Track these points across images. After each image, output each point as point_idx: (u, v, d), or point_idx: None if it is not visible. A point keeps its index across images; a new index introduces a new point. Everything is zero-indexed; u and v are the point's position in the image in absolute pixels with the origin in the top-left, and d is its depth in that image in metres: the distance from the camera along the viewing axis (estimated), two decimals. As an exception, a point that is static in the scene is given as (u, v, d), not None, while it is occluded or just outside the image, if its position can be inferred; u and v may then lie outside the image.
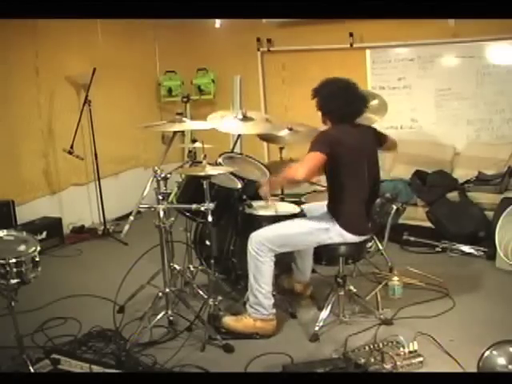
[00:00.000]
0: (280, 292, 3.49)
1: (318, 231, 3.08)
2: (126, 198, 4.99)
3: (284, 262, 3.52)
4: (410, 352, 2.78)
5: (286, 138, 3.98)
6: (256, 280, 3.10)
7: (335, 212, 3.12)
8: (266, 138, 4.15)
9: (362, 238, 3.15)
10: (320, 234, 3.08)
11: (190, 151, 3.77)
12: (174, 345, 3.05)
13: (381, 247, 3.94)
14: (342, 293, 3.27)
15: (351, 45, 5.35)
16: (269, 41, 5.87)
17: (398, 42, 5.23)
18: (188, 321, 3.20)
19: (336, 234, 3.07)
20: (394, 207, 3.11)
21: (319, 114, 3.16)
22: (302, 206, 3.49)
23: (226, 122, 3.67)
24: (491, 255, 4.17)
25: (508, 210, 4.08)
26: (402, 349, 2.81)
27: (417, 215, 4.79)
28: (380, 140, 3.29)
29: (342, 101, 3.04)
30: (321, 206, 3.28)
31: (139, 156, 5.97)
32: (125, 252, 4.60)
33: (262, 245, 3.06)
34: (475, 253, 4.33)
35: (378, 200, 3.03)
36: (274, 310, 3.19)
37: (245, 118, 3.69)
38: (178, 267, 3.48)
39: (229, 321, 3.19)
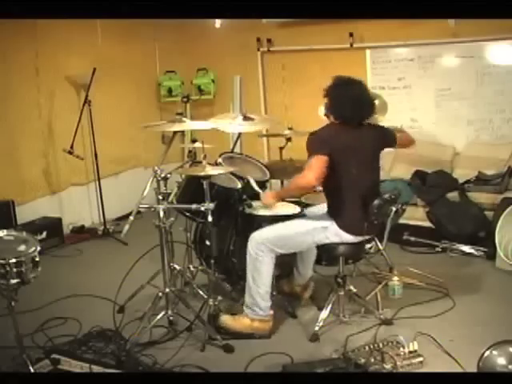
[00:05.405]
0: (280, 293, 3.49)
1: (316, 230, 3.09)
2: (126, 198, 5.00)
3: (285, 266, 3.52)
4: (410, 352, 2.78)
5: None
6: (254, 281, 3.10)
7: (333, 212, 3.12)
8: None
9: (360, 238, 3.14)
10: (318, 232, 3.09)
11: (189, 151, 3.77)
12: (174, 345, 3.05)
13: (381, 247, 3.93)
14: (341, 293, 3.27)
15: (351, 45, 5.35)
16: (269, 41, 5.86)
17: (398, 42, 5.22)
18: (188, 321, 3.20)
19: (333, 234, 3.07)
20: (393, 209, 3.10)
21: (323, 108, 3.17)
22: (305, 209, 3.49)
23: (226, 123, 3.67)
24: (491, 255, 4.16)
25: (508, 210, 4.08)
26: (401, 349, 2.82)
27: (417, 215, 4.79)
28: (389, 139, 3.27)
29: (353, 107, 3.03)
30: (323, 207, 3.28)
31: (139, 156, 5.96)
32: (125, 252, 4.60)
33: (261, 245, 3.07)
34: (475, 253, 4.32)
35: (376, 201, 3.02)
36: (272, 312, 3.19)
37: (245, 118, 3.69)
38: (178, 267, 3.48)
39: (226, 320, 3.19)
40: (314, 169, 2.93)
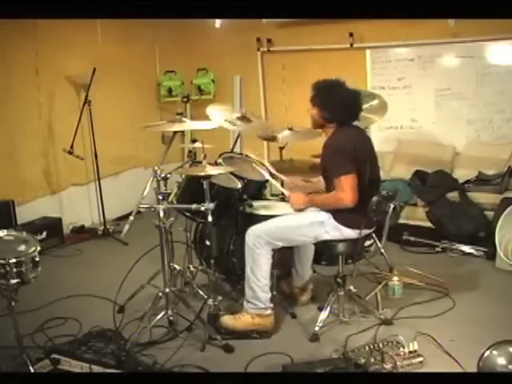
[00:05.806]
0: (280, 294, 3.49)
1: (314, 224, 3.10)
2: (125, 198, 5.00)
3: (285, 266, 3.52)
4: (410, 352, 2.78)
5: (287, 139, 3.99)
6: (253, 273, 3.12)
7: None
8: (267, 138, 4.16)
9: (359, 232, 3.13)
10: (316, 227, 3.09)
11: (190, 151, 3.77)
12: (174, 345, 3.04)
13: (380, 246, 3.93)
14: (341, 293, 3.27)
15: (351, 45, 5.35)
16: (269, 41, 5.86)
17: (397, 42, 5.23)
18: (188, 321, 3.20)
19: (332, 229, 3.08)
20: (391, 206, 3.11)
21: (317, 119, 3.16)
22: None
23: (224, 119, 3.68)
24: (491, 255, 4.16)
25: (508, 210, 4.08)
26: (401, 349, 2.82)
27: (417, 215, 4.79)
28: None
29: (346, 104, 3.05)
30: None
31: (139, 156, 5.97)
32: (125, 252, 4.60)
33: (258, 237, 3.09)
34: (475, 253, 4.32)
35: (375, 198, 3.03)
36: (272, 305, 3.19)
37: (243, 118, 3.69)
38: (178, 267, 3.49)
39: (227, 320, 3.19)
40: (347, 190, 2.96)
